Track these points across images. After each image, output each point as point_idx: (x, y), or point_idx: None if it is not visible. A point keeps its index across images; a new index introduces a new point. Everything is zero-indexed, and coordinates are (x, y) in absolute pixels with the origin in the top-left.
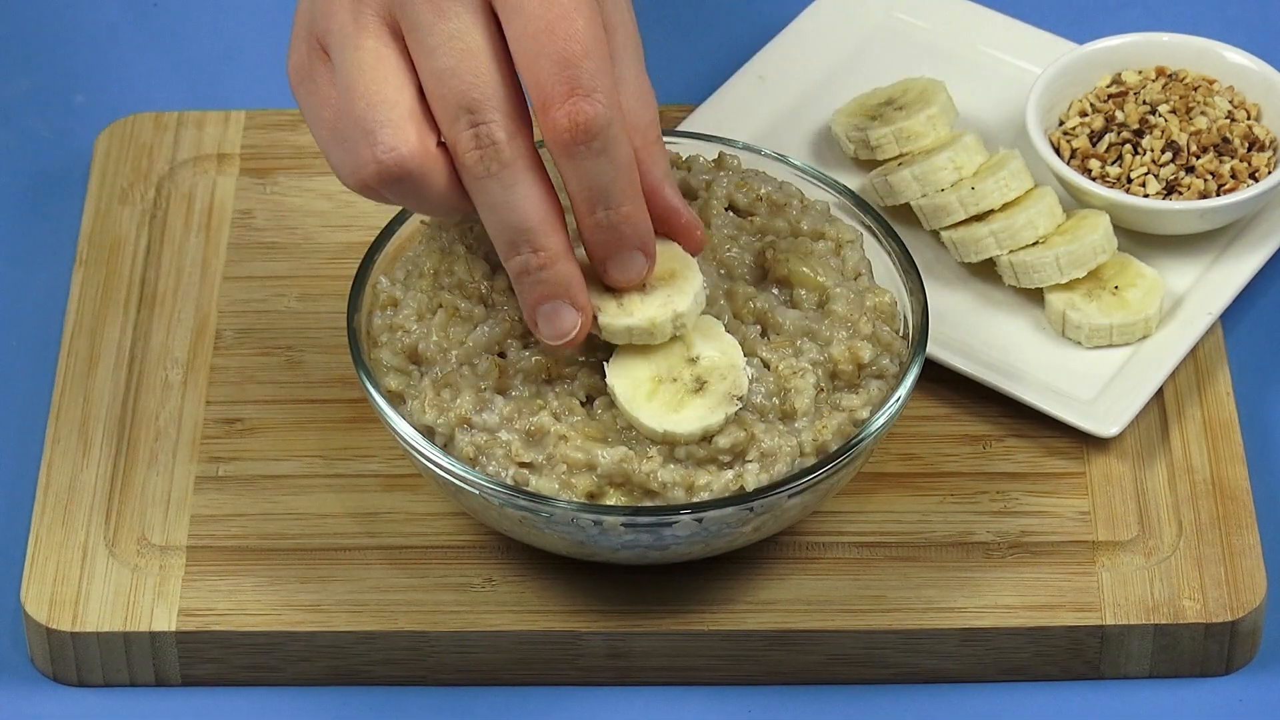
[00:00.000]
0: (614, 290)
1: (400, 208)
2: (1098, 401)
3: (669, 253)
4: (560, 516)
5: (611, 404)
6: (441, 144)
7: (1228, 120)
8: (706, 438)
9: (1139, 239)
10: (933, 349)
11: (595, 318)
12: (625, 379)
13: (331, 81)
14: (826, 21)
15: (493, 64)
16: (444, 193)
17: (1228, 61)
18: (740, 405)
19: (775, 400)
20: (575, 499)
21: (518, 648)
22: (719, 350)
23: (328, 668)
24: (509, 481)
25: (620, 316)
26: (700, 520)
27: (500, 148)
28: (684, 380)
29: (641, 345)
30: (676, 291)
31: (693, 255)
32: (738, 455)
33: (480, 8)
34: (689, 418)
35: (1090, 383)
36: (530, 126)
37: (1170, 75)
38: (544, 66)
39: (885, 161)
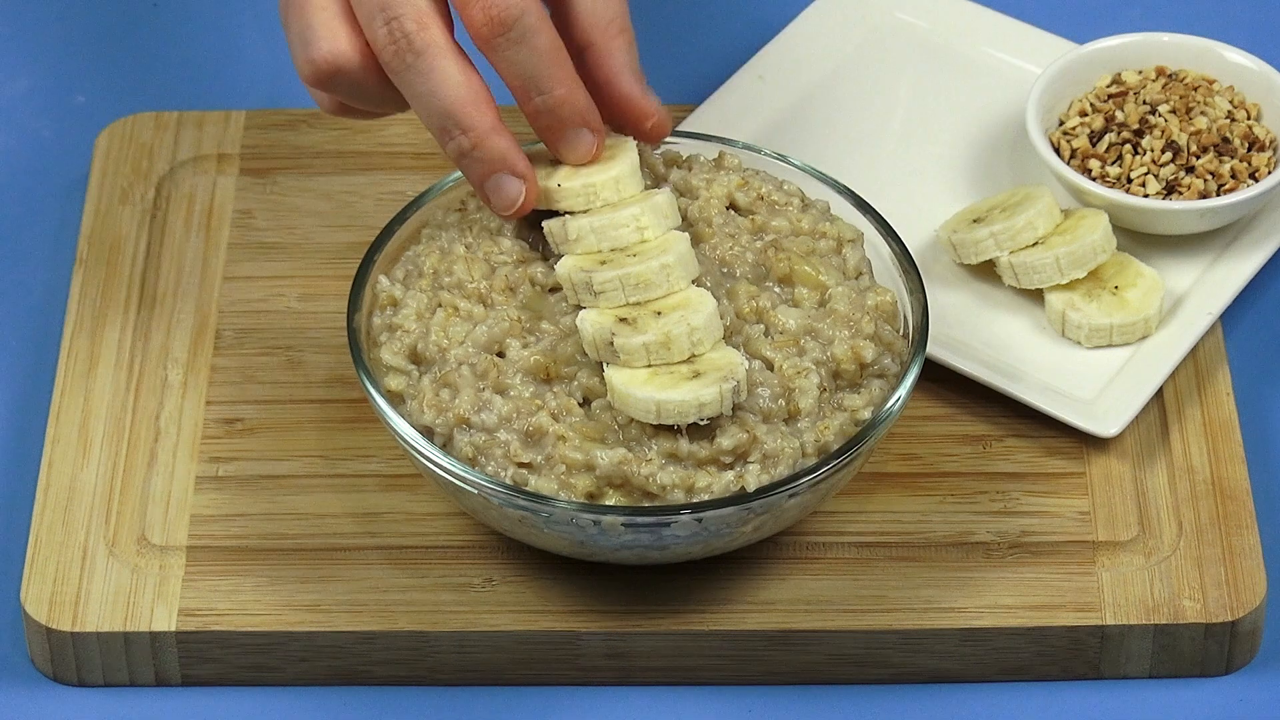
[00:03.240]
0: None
1: (400, 208)
2: (1098, 401)
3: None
4: (560, 516)
5: (610, 405)
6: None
7: (1228, 120)
8: (700, 416)
9: (1139, 239)
10: (933, 349)
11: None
12: (624, 371)
13: None
14: (826, 21)
15: None
16: (371, 87)
17: (1228, 61)
18: (735, 383)
19: (781, 402)
20: (574, 499)
21: (518, 648)
22: (718, 352)
23: (328, 668)
24: (508, 481)
25: (633, 336)
26: (700, 520)
27: (411, 38)
28: (681, 371)
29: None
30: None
31: (651, 144)
32: (739, 456)
33: None
34: (682, 391)
35: (1090, 383)
36: (446, 18)
37: (1170, 75)
38: None
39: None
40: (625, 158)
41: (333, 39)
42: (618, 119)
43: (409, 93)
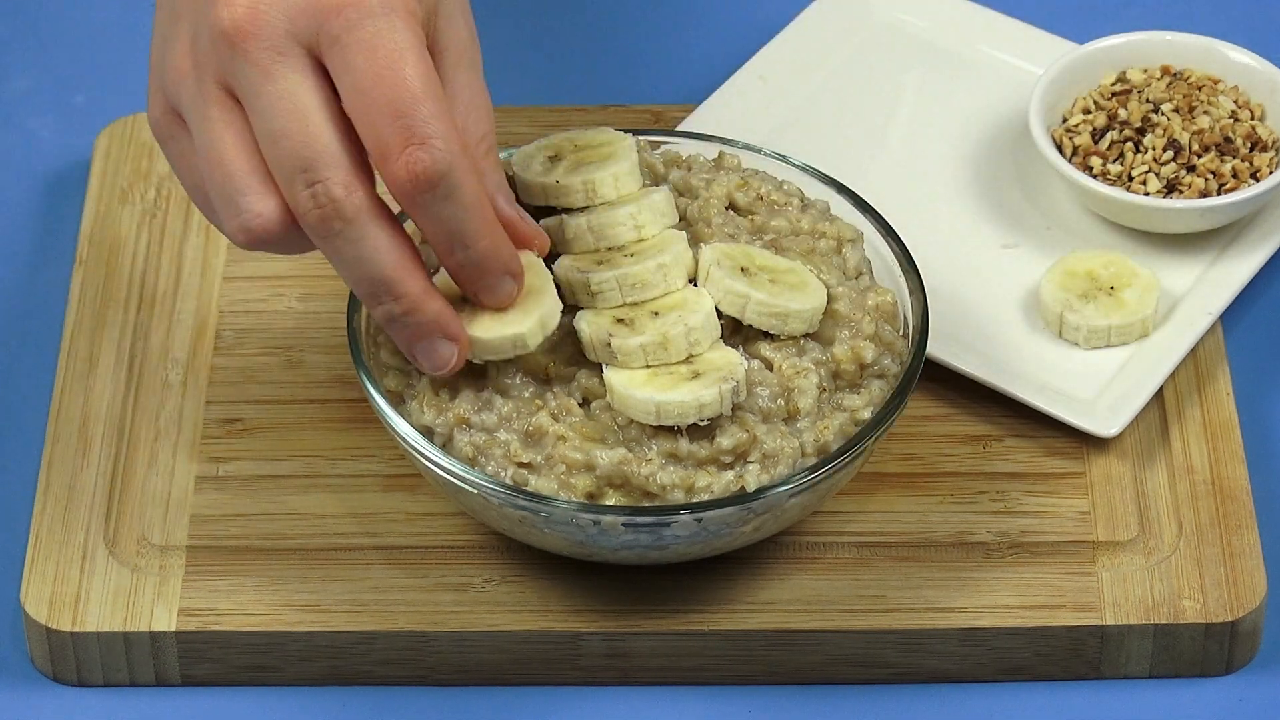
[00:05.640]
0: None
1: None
2: (1097, 401)
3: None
4: (559, 516)
5: (610, 405)
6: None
7: (1231, 120)
8: (700, 416)
9: (1139, 238)
10: (933, 349)
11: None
12: (623, 372)
13: (191, 146)
14: (826, 21)
15: (325, 120)
16: (304, 244)
17: (1232, 61)
18: (734, 384)
19: (780, 402)
20: (574, 499)
21: (518, 648)
22: (717, 352)
23: (328, 668)
24: (508, 481)
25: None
26: (700, 520)
27: (340, 204)
28: (680, 372)
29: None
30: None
31: (540, 257)
32: (739, 456)
33: (309, 67)
34: (681, 392)
35: (1090, 383)
36: (371, 176)
37: (1175, 74)
38: (376, 119)
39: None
40: (625, 156)
41: (263, 204)
42: None
43: (334, 257)
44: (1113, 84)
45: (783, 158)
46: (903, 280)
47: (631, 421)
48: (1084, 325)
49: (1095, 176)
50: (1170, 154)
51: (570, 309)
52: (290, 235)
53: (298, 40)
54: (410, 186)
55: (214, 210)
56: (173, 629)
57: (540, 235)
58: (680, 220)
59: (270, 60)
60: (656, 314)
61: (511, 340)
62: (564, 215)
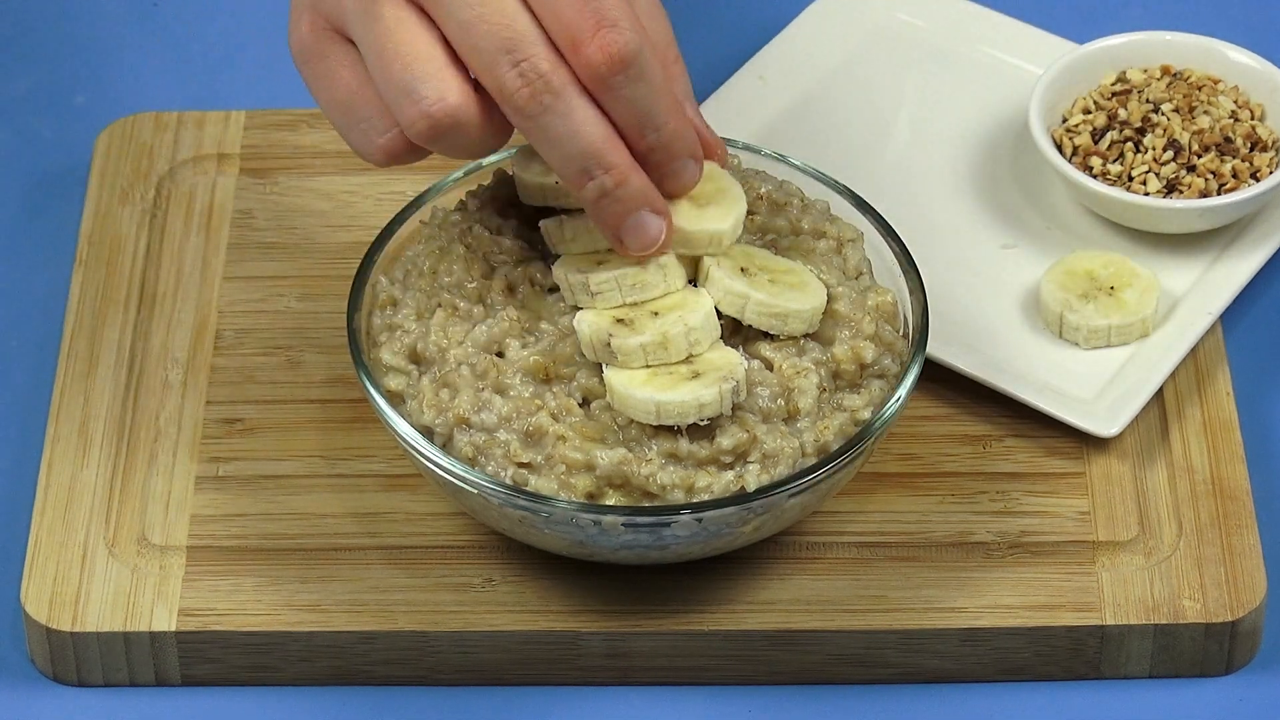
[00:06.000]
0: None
1: (400, 208)
2: (1097, 401)
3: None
4: (560, 516)
5: (609, 406)
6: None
7: (1231, 120)
8: (700, 416)
9: (1139, 238)
10: (933, 349)
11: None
12: (623, 372)
13: (344, 60)
14: (826, 21)
15: (518, 5)
16: (481, 137)
17: (1232, 61)
18: (735, 383)
19: (780, 402)
20: (574, 499)
21: (518, 648)
22: (717, 352)
23: (328, 668)
24: (508, 481)
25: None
26: (700, 520)
27: (549, 78)
28: (680, 372)
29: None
30: (729, 204)
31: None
32: (739, 456)
33: None
34: (681, 392)
35: (1090, 383)
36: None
37: (1175, 74)
38: (564, 6)
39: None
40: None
41: (449, 87)
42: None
43: (543, 135)
44: (1113, 84)
45: (783, 158)
46: (903, 280)
47: (631, 421)
48: (1084, 325)
49: (1095, 176)
50: (1170, 154)
51: (570, 309)
52: (465, 122)
53: None
54: (605, 68)
55: (368, 120)
56: (173, 629)
57: (721, 145)
58: None
59: None
60: (656, 314)
61: (709, 235)
62: (563, 216)
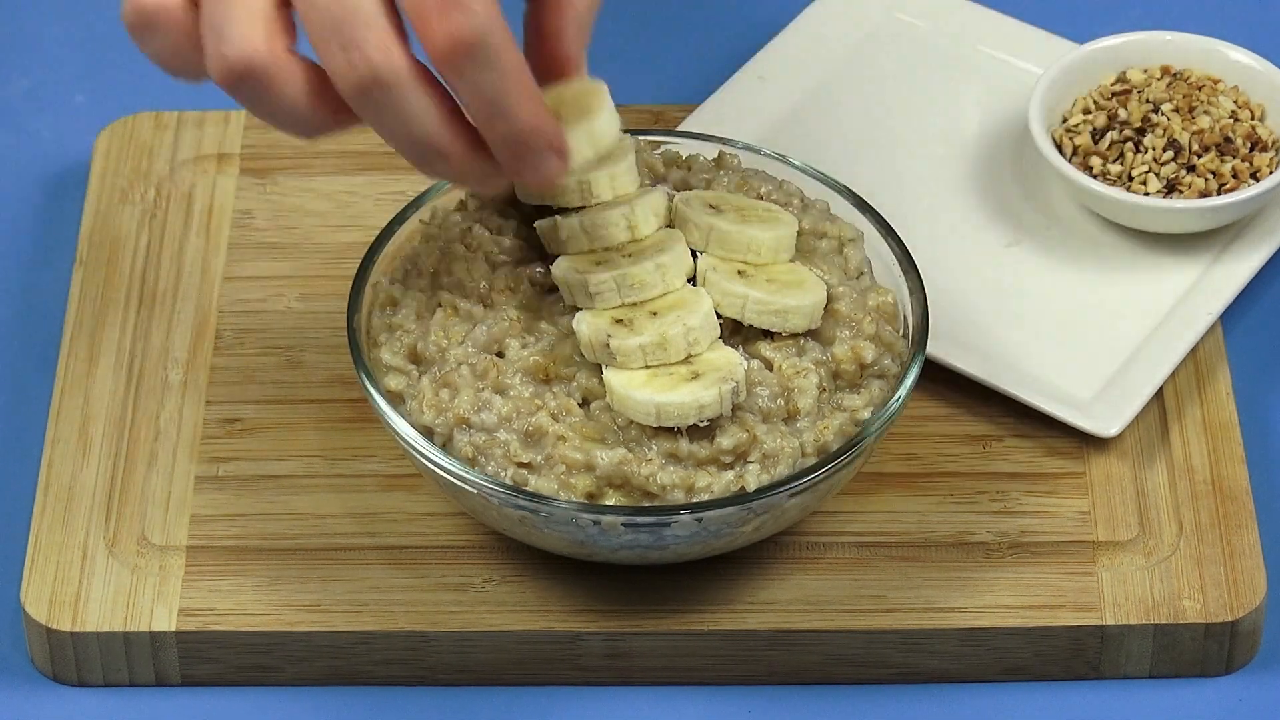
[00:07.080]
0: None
1: (400, 208)
2: (1098, 401)
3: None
4: (559, 516)
5: (609, 405)
6: (298, 54)
7: (1231, 120)
8: (700, 417)
9: (1139, 238)
10: (933, 349)
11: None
12: (623, 373)
13: (183, 18)
14: (826, 21)
15: None
16: (297, 104)
17: (1232, 61)
18: (734, 384)
19: (780, 402)
20: (574, 499)
21: (518, 648)
22: (716, 352)
23: (328, 668)
24: (508, 481)
25: (630, 336)
26: (700, 520)
27: (378, 68)
28: (680, 373)
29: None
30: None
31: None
32: (739, 456)
33: None
34: (681, 393)
35: (1090, 383)
36: (403, 32)
37: (1175, 74)
38: None
39: None
40: (623, 156)
41: (251, 36)
42: (541, 75)
43: (375, 122)
44: (1113, 84)
45: (783, 158)
46: (903, 280)
47: (631, 421)
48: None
49: (1095, 176)
50: (1170, 154)
51: (570, 309)
52: (262, 78)
53: None
54: (447, 51)
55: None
56: (173, 629)
57: (577, 61)
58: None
59: None
60: (655, 314)
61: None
62: (558, 216)
